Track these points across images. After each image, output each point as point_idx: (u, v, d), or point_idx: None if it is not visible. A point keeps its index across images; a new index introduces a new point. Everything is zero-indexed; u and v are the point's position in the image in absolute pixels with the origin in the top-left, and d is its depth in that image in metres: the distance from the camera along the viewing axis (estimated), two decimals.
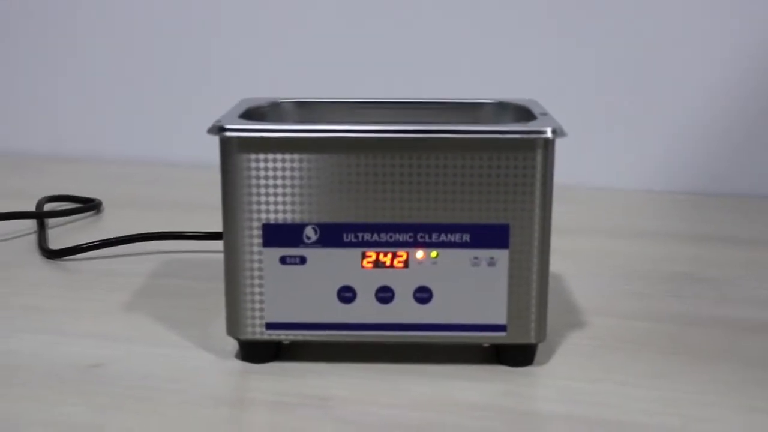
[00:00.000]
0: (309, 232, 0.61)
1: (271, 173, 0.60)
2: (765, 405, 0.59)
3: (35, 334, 0.69)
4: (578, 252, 0.90)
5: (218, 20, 1.26)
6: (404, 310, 0.62)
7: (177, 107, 1.29)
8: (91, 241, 0.88)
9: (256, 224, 0.61)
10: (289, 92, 0.81)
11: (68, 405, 0.58)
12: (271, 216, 0.61)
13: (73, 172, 1.23)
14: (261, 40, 1.25)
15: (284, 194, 0.61)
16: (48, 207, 1.03)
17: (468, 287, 0.62)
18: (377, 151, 0.60)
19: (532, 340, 0.63)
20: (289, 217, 0.61)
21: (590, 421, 0.57)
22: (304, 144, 0.60)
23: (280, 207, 0.61)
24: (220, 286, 0.64)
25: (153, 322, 0.71)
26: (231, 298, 0.63)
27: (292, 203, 0.61)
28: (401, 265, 0.62)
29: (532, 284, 0.62)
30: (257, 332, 0.63)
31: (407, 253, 0.61)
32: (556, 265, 0.68)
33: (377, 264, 0.62)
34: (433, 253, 0.61)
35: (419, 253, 0.61)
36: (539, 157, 0.60)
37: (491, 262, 0.61)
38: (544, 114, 0.65)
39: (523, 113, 0.68)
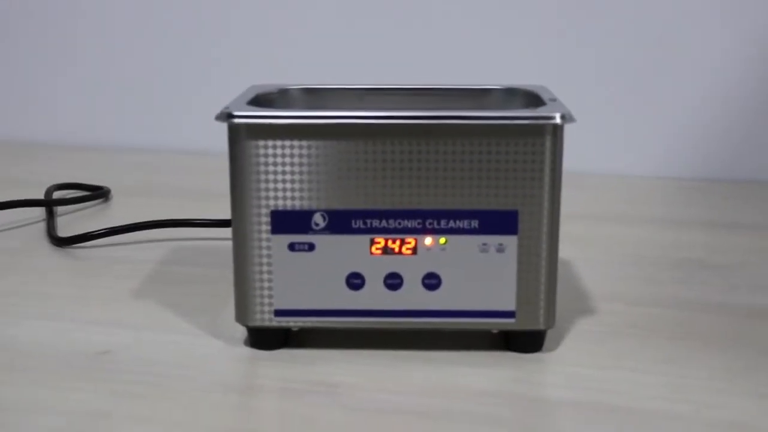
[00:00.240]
0: (317, 218, 0.61)
1: (279, 160, 0.60)
2: None
3: (44, 321, 0.69)
4: (587, 238, 0.90)
5: (228, 7, 1.25)
6: (413, 296, 0.62)
7: (186, 94, 1.29)
8: (99, 228, 0.88)
9: (264, 211, 0.61)
10: (298, 79, 0.80)
11: (77, 391, 0.58)
12: (280, 203, 0.61)
13: (82, 160, 1.23)
14: (271, 26, 1.25)
15: (293, 181, 0.61)
16: (57, 195, 1.03)
17: (477, 273, 0.61)
18: (386, 137, 0.60)
19: (541, 327, 0.63)
20: (297, 204, 0.61)
21: (599, 407, 0.57)
22: (313, 130, 0.60)
23: (288, 194, 0.61)
24: (229, 273, 0.64)
25: (162, 310, 0.71)
26: (240, 285, 0.63)
27: (301, 190, 0.61)
28: (410, 251, 0.61)
29: (540, 270, 0.61)
30: (266, 319, 0.63)
31: (416, 240, 0.61)
32: (564, 251, 0.68)
33: (386, 250, 0.61)
34: (442, 240, 0.61)
35: (428, 240, 0.61)
36: (548, 143, 0.60)
37: (500, 249, 0.61)
38: (553, 100, 0.65)
39: (532, 99, 0.68)
